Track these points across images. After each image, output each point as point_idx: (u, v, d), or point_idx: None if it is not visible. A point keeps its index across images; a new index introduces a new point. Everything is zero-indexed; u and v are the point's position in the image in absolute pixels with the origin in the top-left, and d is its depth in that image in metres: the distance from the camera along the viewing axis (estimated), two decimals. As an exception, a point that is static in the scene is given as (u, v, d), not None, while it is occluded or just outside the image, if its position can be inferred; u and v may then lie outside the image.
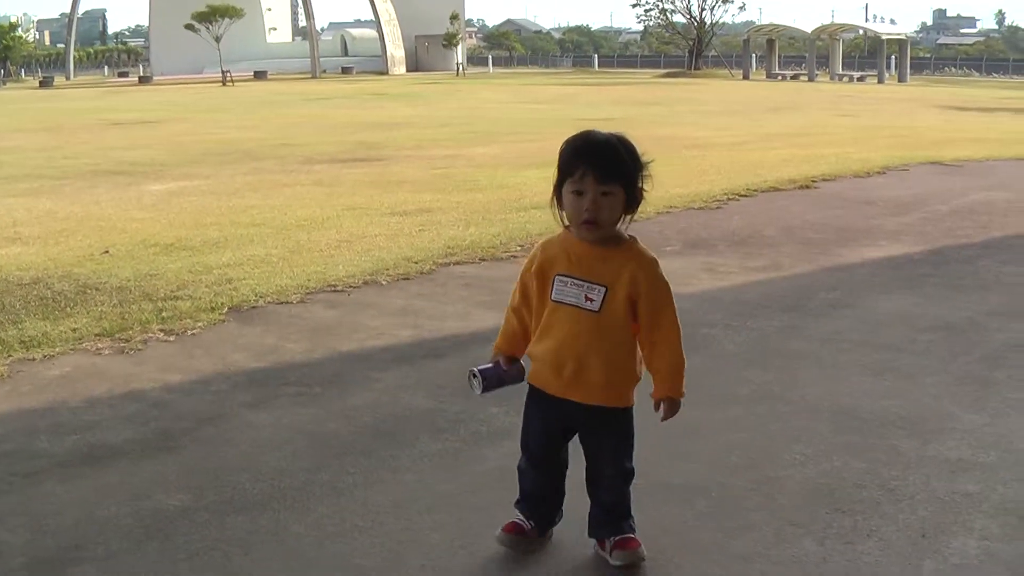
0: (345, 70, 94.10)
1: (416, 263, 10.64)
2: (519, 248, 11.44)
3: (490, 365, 4.62)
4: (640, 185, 4.21)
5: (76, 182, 18.73)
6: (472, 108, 41.45)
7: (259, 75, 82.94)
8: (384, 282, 9.97)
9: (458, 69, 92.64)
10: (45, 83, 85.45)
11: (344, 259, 10.93)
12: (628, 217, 4.25)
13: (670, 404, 4.37)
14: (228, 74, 71.72)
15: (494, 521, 4.99)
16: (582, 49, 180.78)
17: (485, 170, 18.84)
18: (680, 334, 4.35)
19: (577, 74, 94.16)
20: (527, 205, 14.34)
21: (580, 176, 4.12)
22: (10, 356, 7.83)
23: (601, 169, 4.11)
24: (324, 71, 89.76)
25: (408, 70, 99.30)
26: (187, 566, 4.73)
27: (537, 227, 12.52)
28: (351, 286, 9.78)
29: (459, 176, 18.26)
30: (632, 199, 4.19)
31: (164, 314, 8.78)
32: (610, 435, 4.51)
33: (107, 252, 11.51)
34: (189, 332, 8.37)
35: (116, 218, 14.25)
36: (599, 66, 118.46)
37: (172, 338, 8.22)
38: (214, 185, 17.76)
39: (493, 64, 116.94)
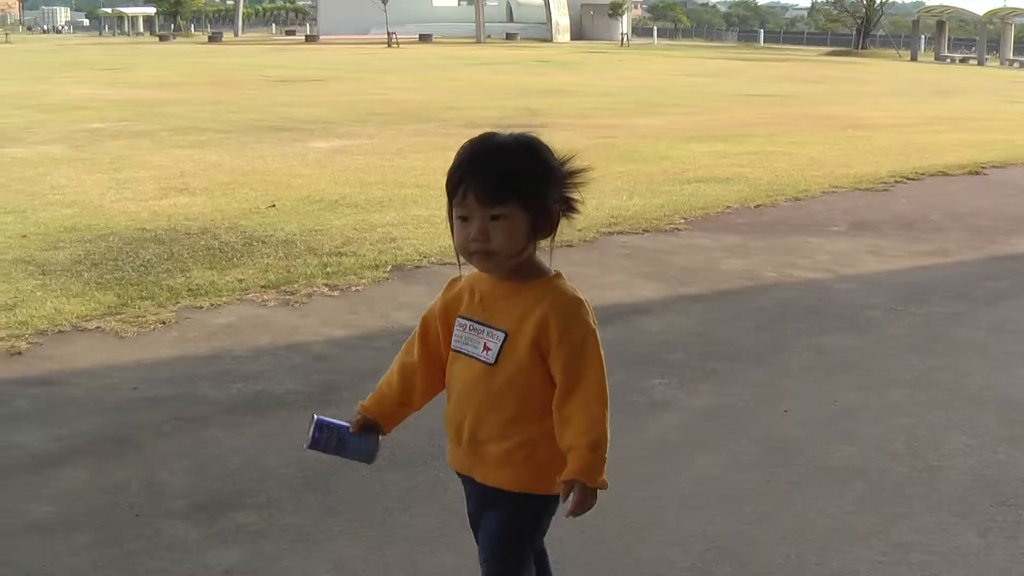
0: (509, 36, 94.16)
1: (579, 230, 10.61)
2: (683, 221, 11.42)
3: (339, 423, 3.59)
4: (554, 201, 3.18)
5: (242, 136, 19.03)
6: (636, 79, 41.29)
7: (424, 38, 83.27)
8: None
9: (622, 39, 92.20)
10: (214, 38, 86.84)
11: (507, 224, 10.94)
12: (545, 243, 3.27)
13: (580, 492, 3.16)
14: (393, 36, 72.10)
15: (649, 492, 5.02)
16: (748, 23, 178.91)
17: (648, 141, 18.76)
18: (605, 402, 3.19)
19: (742, 49, 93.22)
20: (691, 178, 14.29)
21: (462, 196, 3.13)
22: (178, 303, 8.00)
23: (484, 186, 3.09)
24: (488, 36, 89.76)
25: (572, 38, 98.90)
26: (346, 518, 4.79)
27: (701, 201, 12.50)
28: (513, 250, 9.78)
29: (622, 146, 18.21)
30: (541, 219, 3.17)
31: (329, 269, 8.90)
32: (496, 516, 3.41)
33: (273, 206, 11.69)
34: (353, 288, 8.47)
35: (281, 173, 14.46)
36: (764, 41, 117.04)
37: (336, 293, 8.33)
38: (377, 145, 17.93)
39: (657, 35, 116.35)
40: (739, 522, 4.78)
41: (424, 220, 11.08)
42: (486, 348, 3.24)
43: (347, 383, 6.45)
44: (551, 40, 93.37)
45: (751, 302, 8.43)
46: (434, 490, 5.05)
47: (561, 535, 4.59)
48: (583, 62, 55.54)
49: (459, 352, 3.32)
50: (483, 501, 3.42)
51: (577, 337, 3.18)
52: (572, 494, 3.15)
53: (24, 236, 10.27)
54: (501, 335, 3.21)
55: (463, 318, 3.32)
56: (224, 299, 8.11)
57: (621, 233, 10.77)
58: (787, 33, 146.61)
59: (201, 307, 7.93)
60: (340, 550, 4.54)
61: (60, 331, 7.39)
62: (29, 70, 39.67)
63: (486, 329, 3.24)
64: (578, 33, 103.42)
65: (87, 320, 7.60)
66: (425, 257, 9.42)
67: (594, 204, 12.01)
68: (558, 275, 3.28)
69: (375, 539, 4.64)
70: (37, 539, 4.63)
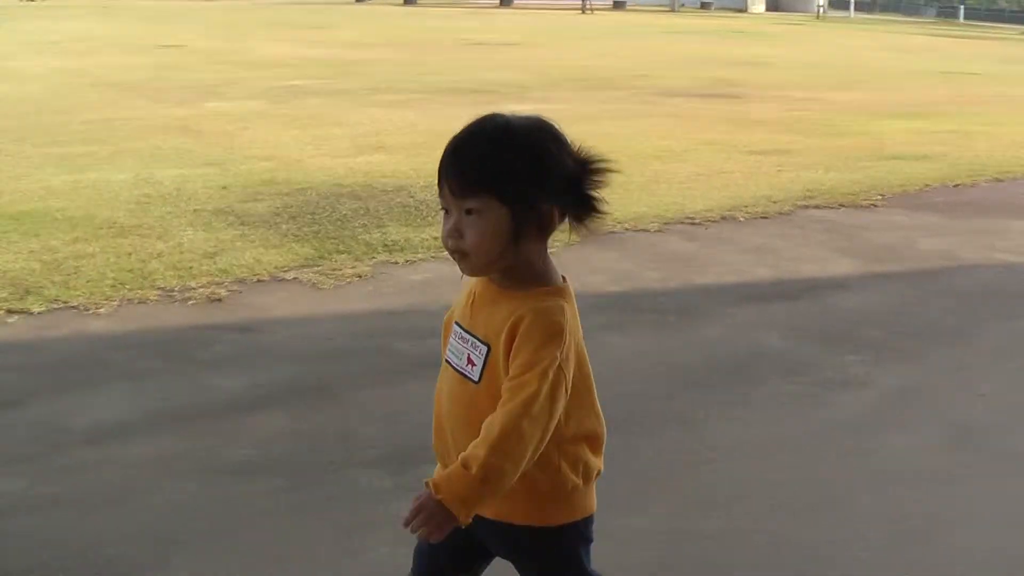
0: (704, 5, 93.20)
1: (774, 203, 10.52)
2: (879, 197, 11.19)
3: None
4: (548, 197, 2.65)
5: (437, 97, 19.15)
6: (831, 52, 40.58)
7: (618, 5, 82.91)
8: (742, 219, 9.89)
9: (818, 12, 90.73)
10: (409, 1, 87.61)
11: (701, 193, 10.89)
12: (533, 246, 2.69)
13: (425, 500, 2.56)
14: (587, 2, 72.01)
15: (841, 468, 5.01)
16: None
17: (844, 116, 18.43)
18: (521, 435, 2.54)
19: (940, 25, 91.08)
20: (888, 155, 14.00)
21: (441, 185, 2.71)
22: (374, 258, 8.12)
23: (457, 174, 2.65)
24: (683, 5, 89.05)
25: (767, 9, 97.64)
26: (536, 478, 4.81)
27: (898, 178, 12.25)
28: (708, 220, 9.74)
29: (817, 119, 17.92)
30: (527, 217, 2.64)
31: (521, 230, 8.90)
32: (530, 566, 2.96)
33: (468, 167, 11.74)
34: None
35: (475, 134, 14.51)
36: (964, 18, 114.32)
37: (531, 254, 8.34)
38: (571, 110, 17.86)
39: (854, 9, 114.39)
40: (930, 503, 4.71)
41: (618, 186, 10.82)
42: (470, 362, 2.73)
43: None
44: (745, 10, 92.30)
45: (949, 283, 8.26)
46: (627, 455, 5.03)
47: (755, 508, 4.58)
48: (778, 34, 54.78)
49: (448, 363, 2.83)
50: (485, 536, 2.88)
51: (539, 339, 2.60)
52: (419, 496, 2.58)
53: (224, 187, 10.51)
54: (484, 348, 2.69)
55: (456, 323, 2.83)
56: (419, 256, 8.21)
57: (817, 207, 10.59)
58: (988, 10, 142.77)
59: (396, 263, 8.05)
60: (529, 508, 4.56)
61: (259, 280, 7.56)
62: (229, 28, 40.43)
63: (471, 339, 2.74)
64: (773, 4, 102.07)
65: (285, 271, 7.76)
66: (619, 223, 9.34)
67: (790, 177, 11.90)
68: (559, 290, 2.74)
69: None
70: (234, 480, 4.75)
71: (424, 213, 9.47)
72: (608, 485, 4.71)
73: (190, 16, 45.58)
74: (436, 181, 2.72)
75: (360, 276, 7.69)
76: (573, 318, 2.72)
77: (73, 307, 7.00)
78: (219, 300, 7.15)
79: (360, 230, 8.86)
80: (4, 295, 7.16)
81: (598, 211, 2.70)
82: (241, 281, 7.53)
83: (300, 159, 12.24)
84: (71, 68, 22.70)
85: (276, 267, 7.82)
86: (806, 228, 9.75)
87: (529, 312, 2.62)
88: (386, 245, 8.43)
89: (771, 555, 4.28)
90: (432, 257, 8.18)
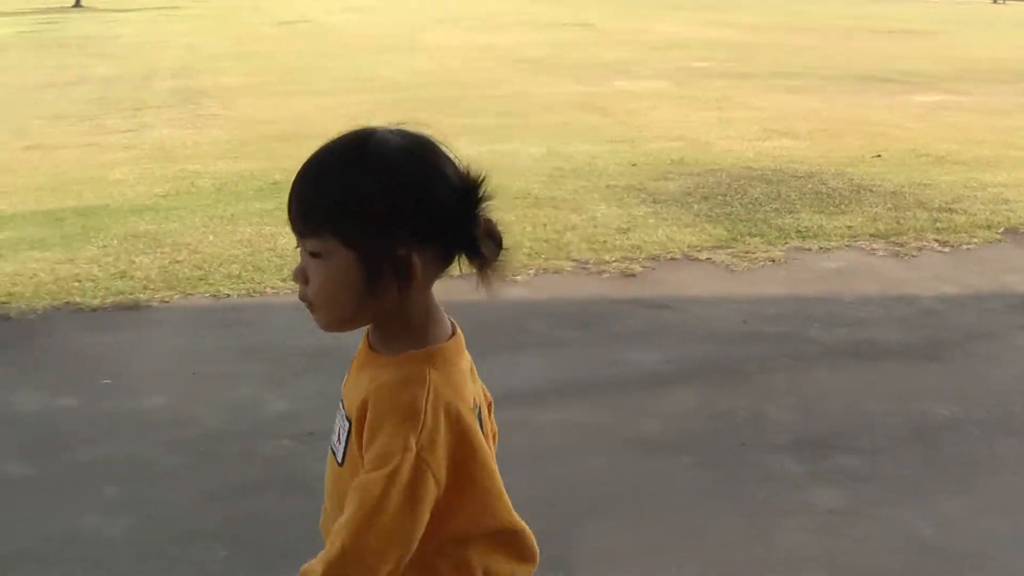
0: None
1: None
2: None
3: None
4: (403, 239, 2.01)
5: (840, 84, 18.83)
6: None
7: (1033, -4, 79.83)
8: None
9: None
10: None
11: None
12: (405, 297, 2.05)
13: None
14: (997, -8, 69.57)
15: None
16: None
17: None
18: (362, 554, 1.97)
19: None
20: None
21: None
22: (786, 243, 8.11)
23: (294, 209, 2.07)
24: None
25: None
26: (953, 476, 4.75)
27: None
28: None
29: None
30: (379, 265, 2.02)
31: (938, 225, 8.72)
32: None
33: (879, 156, 11.55)
34: (963, 246, 8.27)
35: (884, 124, 14.24)
36: None
37: (946, 250, 8.17)
38: (981, 102, 17.29)
39: None
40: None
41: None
42: (339, 438, 2.18)
43: (955, 341, 6.36)
44: None
45: None
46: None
47: None
48: None
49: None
50: None
51: (388, 425, 2.00)
52: None
53: (634, 165, 10.70)
54: (347, 424, 2.14)
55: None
56: (832, 244, 8.15)
57: None
58: None
59: (809, 249, 8.01)
60: (943, 507, 4.50)
61: (671, 258, 7.68)
62: (633, 7, 40.83)
63: (342, 411, 2.18)
64: None
65: (698, 250, 7.85)
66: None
67: None
68: (427, 355, 2.08)
69: (980, 501, 4.58)
70: (643, 454, 4.88)
71: (837, 201, 9.36)
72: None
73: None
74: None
75: (773, 260, 7.71)
76: (449, 387, 2.08)
77: (495, 274, 7.26)
78: (633, 275, 7.30)
79: (772, 214, 8.86)
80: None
81: (484, 256, 2.09)
82: (654, 258, 7.66)
83: (708, 141, 12.30)
84: (482, 43, 23.46)
85: (689, 246, 7.92)
86: None
87: (377, 390, 2.05)
88: (799, 231, 8.40)
89: None
90: (847, 246, 8.10)
